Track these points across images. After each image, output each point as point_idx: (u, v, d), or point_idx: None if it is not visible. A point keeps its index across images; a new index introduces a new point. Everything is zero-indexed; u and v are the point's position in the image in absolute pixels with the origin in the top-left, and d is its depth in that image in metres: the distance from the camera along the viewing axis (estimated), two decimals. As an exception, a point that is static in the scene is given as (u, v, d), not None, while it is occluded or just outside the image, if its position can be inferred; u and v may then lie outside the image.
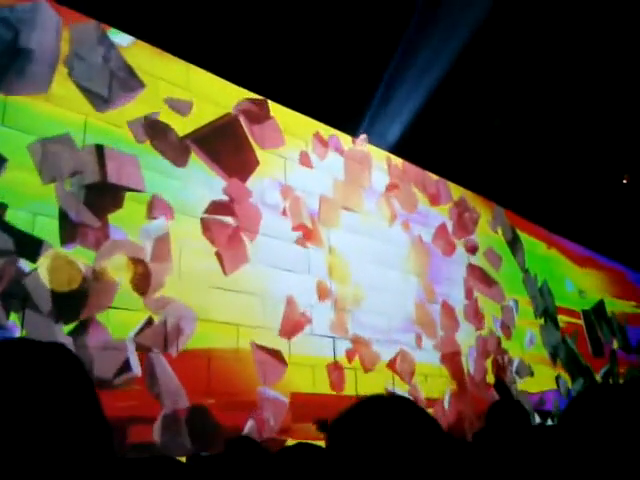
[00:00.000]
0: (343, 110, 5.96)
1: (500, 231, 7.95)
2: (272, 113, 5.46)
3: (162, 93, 4.66)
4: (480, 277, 7.23)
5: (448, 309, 6.51)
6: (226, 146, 4.96)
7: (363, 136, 6.39)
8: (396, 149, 6.65)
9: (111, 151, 4.17)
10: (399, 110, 6.30)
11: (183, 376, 4.10)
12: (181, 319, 4.21)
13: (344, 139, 6.19)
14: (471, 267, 7.16)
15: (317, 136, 5.88)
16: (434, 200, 7.01)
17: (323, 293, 5.31)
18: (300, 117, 5.76)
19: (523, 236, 8.35)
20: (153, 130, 4.50)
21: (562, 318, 8.45)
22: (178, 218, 4.45)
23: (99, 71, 4.29)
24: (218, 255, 4.60)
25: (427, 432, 0.92)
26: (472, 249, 7.29)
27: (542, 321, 8.03)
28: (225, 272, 4.58)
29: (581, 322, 8.86)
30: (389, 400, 1.00)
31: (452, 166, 7.05)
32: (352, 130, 6.31)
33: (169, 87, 4.73)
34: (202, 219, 4.61)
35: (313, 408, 4.62)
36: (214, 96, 5.06)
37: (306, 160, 5.66)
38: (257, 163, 5.14)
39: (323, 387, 4.99)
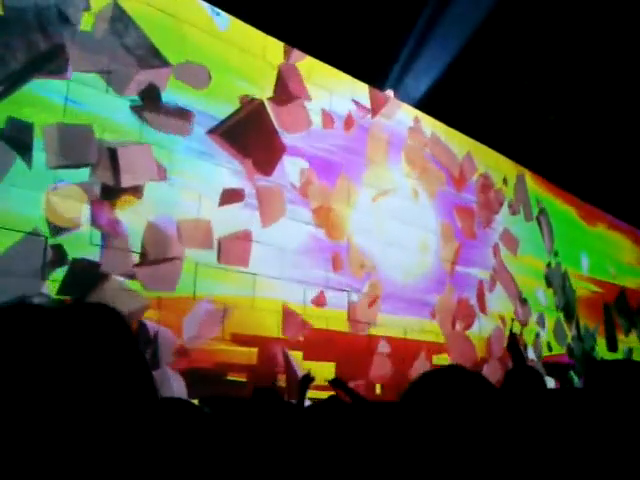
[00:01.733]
0: (371, 65, 5.81)
1: (522, 210, 7.78)
2: (296, 64, 5.34)
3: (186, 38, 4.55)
4: (500, 266, 7.12)
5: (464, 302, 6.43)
6: (252, 137, 4.84)
7: (391, 92, 6.23)
8: (424, 107, 6.49)
9: (124, 148, 4.05)
10: (428, 66, 6.12)
11: (199, 322, 4.16)
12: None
13: (370, 96, 6.04)
14: (494, 251, 7.09)
15: (342, 94, 5.76)
16: (458, 183, 6.84)
17: (340, 238, 5.31)
18: (327, 68, 5.62)
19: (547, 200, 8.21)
20: (173, 113, 4.40)
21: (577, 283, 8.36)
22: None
23: (119, 51, 4.15)
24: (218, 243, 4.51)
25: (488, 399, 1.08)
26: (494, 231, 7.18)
27: (561, 314, 7.88)
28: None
29: (599, 290, 8.77)
30: (456, 371, 1.16)
31: (480, 127, 6.89)
32: (380, 85, 6.16)
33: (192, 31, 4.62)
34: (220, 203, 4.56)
35: (324, 345, 4.82)
36: (242, 43, 4.94)
37: (329, 120, 5.54)
38: (284, 150, 5.06)
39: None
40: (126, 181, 3.99)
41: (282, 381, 4.53)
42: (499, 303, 6.84)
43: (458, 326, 6.20)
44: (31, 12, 3.73)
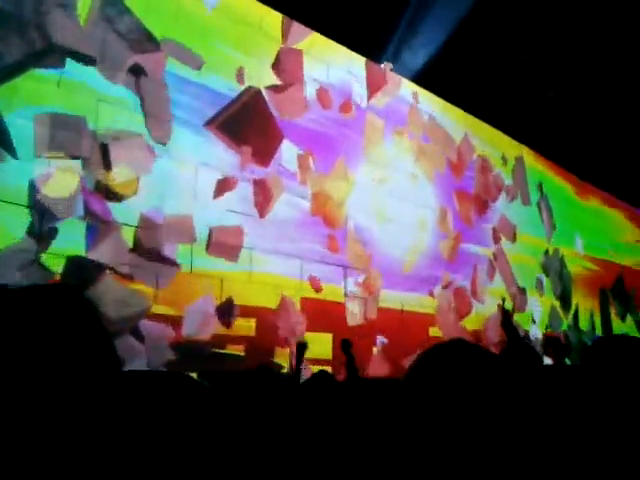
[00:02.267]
0: (369, 38, 5.73)
1: (520, 195, 7.72)
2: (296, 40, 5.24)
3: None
4: (498, 251, 7.10)
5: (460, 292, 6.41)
6: (249, 127, 4.75)
7: (388, 65, 6.14)
8: (421, 83, 6.41)
9: (117, 141, 3.94)
10: (426, 40, 6.03)
11: (195, 296, 4.15)
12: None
13: (368, 71, 5.95)
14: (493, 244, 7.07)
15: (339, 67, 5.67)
16: (457, 167, 6.78)
17: (338, 223, 5.28)
18: (325, 42, 5.53)
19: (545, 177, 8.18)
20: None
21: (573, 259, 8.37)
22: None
23: (112, 38, 4.04)
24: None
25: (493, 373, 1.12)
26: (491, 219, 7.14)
27: (558, 302, 7.88)
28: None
29: (596, 268, 8.80)
30: (460, 345, 1.17)
31: (478, 103, 6.83)
32: (378, 59, 6.08)
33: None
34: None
35: (321, 316, 4.85)
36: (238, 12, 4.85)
37: (327, 98, 5.46)
38: (282, 138, 4.97)
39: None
40: (118, 173, 3.91)
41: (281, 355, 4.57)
42: (496, 288, 6.86)
43: (453, 310, 6.22)
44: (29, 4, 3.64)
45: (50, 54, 3.70)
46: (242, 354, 4.31)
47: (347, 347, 3.66)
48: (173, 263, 4.08)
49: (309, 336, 4.69)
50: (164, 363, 3.86)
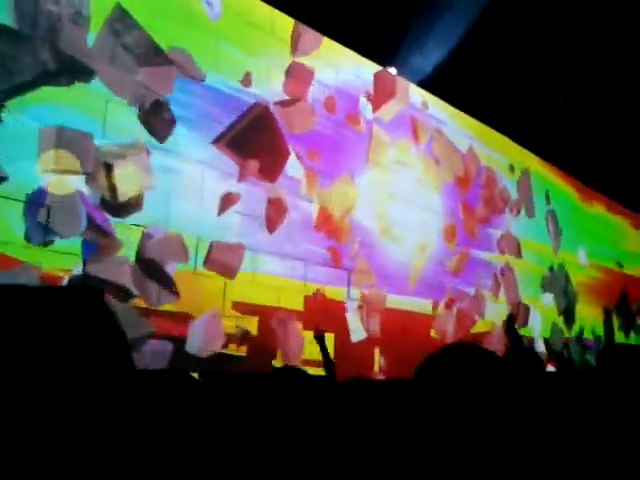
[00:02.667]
0: (378, 43, 5.72)
1: (525, 209, 7.70)
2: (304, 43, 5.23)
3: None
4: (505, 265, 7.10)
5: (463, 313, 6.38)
6: (257, 143, 4.73)
7: (393, 69, 6.12)
8: (429, 89, 6.38)
9: (121, 160, 3.90)
10: (435, 46, 6.00)
11: (198, 296, 4.14)
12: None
13: (377, 77, 5.94)
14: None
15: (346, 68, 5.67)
16: (463, 179, 6.76)
17: (343, 233, 5.29)
18: (334, 46, 5.53)
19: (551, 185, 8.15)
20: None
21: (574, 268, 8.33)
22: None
23: (119, 52, 4.01)
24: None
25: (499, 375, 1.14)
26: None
27: (561, 318, 7.85)
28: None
29: (602, 276, 8.75)
30: (468, 347, 1.19)
31: (486, 110, 6.81)
32: (386, 64, 6.07)
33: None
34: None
35: (324, 315, 4.86)
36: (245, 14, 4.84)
37: (334, 104, 5.45)
38: (289, 153, 4.96)
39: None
40: (123, 191, 3.89)
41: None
42: (500, 303, 6.85)
43: (455, 326, 6.21)
44: (43, 24, 3.63)
45: (61, 72, 3.70)
46: (244, 355, 4.32)
47: (320, 338, 3.57)
48: (173, 284, 4.06)
49: (311, 336, 4.68)
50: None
